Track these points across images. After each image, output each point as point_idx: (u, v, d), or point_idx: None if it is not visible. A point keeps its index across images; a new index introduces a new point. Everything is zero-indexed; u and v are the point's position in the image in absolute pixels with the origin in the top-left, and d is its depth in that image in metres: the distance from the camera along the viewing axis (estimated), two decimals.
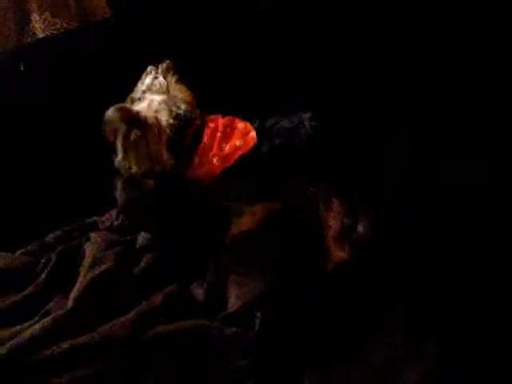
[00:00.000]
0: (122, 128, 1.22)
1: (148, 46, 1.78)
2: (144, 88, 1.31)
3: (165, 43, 1.79)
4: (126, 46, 1.81)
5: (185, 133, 1.26)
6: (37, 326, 1.15)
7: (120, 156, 1.25)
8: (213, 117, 1.31)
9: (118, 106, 1.23)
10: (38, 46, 1.87)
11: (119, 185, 1.39)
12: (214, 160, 1.25)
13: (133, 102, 1.30)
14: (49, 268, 1.32)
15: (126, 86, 1.75)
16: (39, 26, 1.90)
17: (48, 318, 1.17)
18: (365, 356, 1.12)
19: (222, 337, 1.14)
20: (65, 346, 1.10)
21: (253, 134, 1.25)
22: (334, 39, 1.56)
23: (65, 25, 1.92)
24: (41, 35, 1.90)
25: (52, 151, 1.69)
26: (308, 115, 1.24)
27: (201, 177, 1.28)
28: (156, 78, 1.31)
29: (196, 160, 1.27)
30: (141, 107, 1.25)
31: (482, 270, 1.20)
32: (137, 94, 1.31)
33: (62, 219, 1.52)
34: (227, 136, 1.26)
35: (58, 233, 1.48)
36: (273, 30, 1.63)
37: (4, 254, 1.40)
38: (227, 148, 1.25)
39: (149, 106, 1.26)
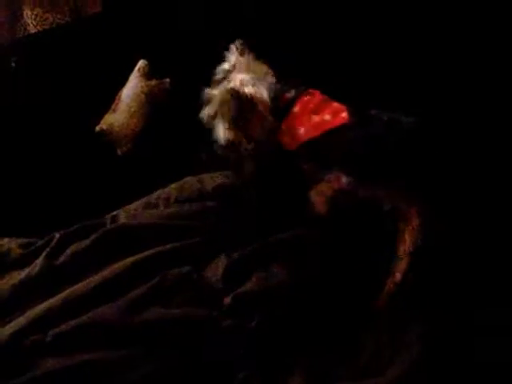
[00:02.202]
0: (234, 110, 1.27)
1: (138, 41, 1.80)
2: (228, 67, 1.32)
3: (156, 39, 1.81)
4: (116, 40, 1.82)
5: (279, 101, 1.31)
6: (36, 310, 1.14)
7: (228, 134, 1.30)
8: (311, 90, 1.32)
9: (229, 87, 1.27)
10: (29, 42, 1.87)
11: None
12: (301, 130, 1.27)
13: (217, 83, 1.32)
14: (48, 249, 1.30)
15: (116, 79, 1.79)
16: (31, 21, 1.91)
17: (42, 306, 1.16)
18: (353, 350, 1.14)
19: (218, 328, 1.14)
20: (59, 329, 1.09)
21: (345, 114, 1.25)
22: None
23: (56, 20, 1.93)
24: (33, 31, 1.91)
25: (44, 146, 1.69)
26: (409, 119, 1.22)
27: (286, 143, 1.30)
28: (236, 57, 1.33)
29: (283, 126, 1.29)
30: (249, 89, 1.27)
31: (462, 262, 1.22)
32: (219, 74, 1.32)
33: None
34: (319, 109, 1.28)
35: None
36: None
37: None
38: (316, 119, 1.26)
39: (244, 84, 1.27)
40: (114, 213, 1.44)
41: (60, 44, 1.83)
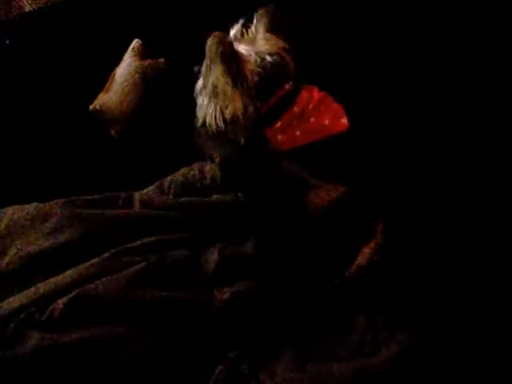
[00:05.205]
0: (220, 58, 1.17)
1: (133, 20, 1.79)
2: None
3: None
4: (111, 19, 1.81)
5: (272, 90, 1.22)
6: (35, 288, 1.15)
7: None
8: (308, 86, 1.26)
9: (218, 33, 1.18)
10: (24, 20, 1.86)
11: (216, 142, 1.35)
12: (298, 132, 1.21)
13: None
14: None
15: (113, 58, 1.78)
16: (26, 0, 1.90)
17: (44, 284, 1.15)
18: (347, 326, 1.16)
19: (210, 310, 1.16)
20: (53, 306, 1.09)
21: (344, 120, 1.21)
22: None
23: None
24: (28, 9, 1.90)
25: (38, 125, 1.69)
26: None
27: (279, 143, 1.24)
28: (244, 26, 1.24)
29: (278, 124, 1.23)
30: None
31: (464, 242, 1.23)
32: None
33: None
34: (319, 112, 1.22)
35: None
36: None
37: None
38: (315, 124, 1.21)
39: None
40: (126, 194, 1.41)
41: (55, 22, 1.81)
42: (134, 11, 1.81)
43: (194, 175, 1.46)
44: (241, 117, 1.22)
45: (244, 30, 1.24)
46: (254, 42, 1.23)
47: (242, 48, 1.21)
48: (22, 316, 1.07)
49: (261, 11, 1.24)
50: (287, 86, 1.23)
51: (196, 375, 1.09)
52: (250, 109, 1.21)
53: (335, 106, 1.24)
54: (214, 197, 1.38)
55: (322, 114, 1.22)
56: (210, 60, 1.19)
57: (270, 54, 1.21)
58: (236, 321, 1.15)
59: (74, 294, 1.10)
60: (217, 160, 1.38)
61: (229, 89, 1.19)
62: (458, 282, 1.19)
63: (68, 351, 1.06)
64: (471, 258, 1.22)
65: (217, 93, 1.20)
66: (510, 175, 1.29)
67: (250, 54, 1.20)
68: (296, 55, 1.24)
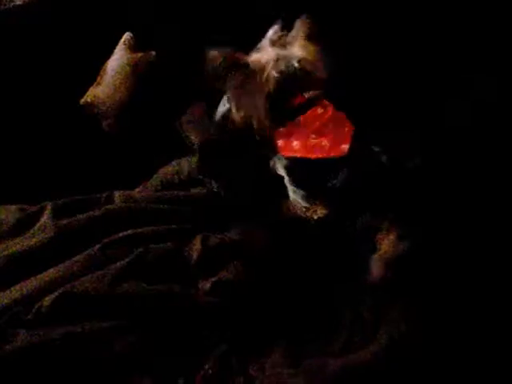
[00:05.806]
0: (224, 72, 1.16)
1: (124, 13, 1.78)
2: (266, 41, 1.22)
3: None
4: (104, 12, 1.80)
5: (291, 96, 1.20)
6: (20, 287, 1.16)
7: (224, 102, 1.23)
8: (325, 103, 1.23)
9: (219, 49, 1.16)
10: (16, 13, 1.86)
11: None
12: (295, 143, 1.20)
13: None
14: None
15: (104, 51, 1.78)
16: None
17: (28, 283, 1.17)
18: (336, 320, 1.16)
19: (195, 302, 1.16)
20: (41, 302, 1.10)
21: (345, 146, 1.17)
22: None
23: None
24: (19, 2, 1.89)
25: (28, 119, 1.69)
26: (414, 161, 1.20)
27: (278, 145, 1.23)
28: (282, 31, 1.22)
29: (281, 129, 1.22)
30: (252, 56, 1.19)
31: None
32: (259, 45, 1.23)
33: None
34: (324, 131, 1.20)
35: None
36: None
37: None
38: (313, 141, 1.19)
39: (261, 55, 1.18)
40: (107, 193, 1.43)
41: (46, 15, 1.80)
42: (125, 4, 1.80)
43: (172, 171, 1.48)
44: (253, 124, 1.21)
45: (281, 34, 1.22)
46: (287, 47, 1.21)
47: (270, 51, 1.20)
48: (7, 316, 1.08)
49: (302, 18, 1.21)
50: (301, 98, 1.21)
51: (184, 370, 1.09)
52: (265, 120, 1.20)
53: (344, 129, 1.21)
54: (193, 190, 1.40)
55: (325, 134, 1.20)
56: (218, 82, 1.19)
57: (299, 61, 1.19)
58: (223, 313, 1.15)
59: (61, 290, 1.11)
60: (196, 144, 1.41)
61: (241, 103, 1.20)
62: (447, 272, 1.19)
63: (55, 348, 1.06)
64: (463, 252, 1.22)
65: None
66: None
67: (278, 59, 1.18)
68: (330, 66, 1.21)
